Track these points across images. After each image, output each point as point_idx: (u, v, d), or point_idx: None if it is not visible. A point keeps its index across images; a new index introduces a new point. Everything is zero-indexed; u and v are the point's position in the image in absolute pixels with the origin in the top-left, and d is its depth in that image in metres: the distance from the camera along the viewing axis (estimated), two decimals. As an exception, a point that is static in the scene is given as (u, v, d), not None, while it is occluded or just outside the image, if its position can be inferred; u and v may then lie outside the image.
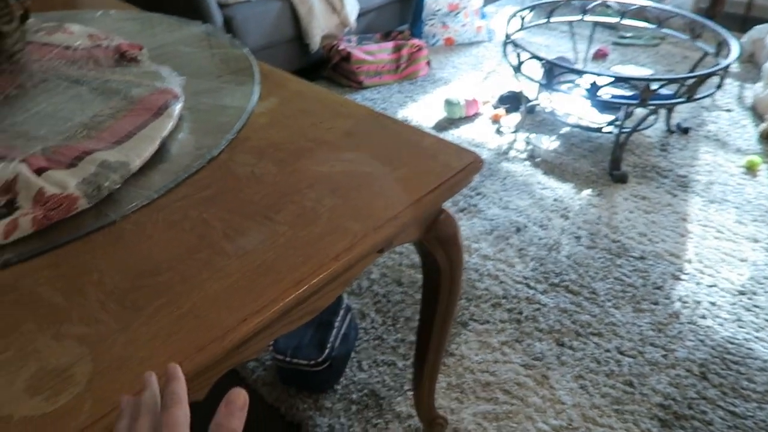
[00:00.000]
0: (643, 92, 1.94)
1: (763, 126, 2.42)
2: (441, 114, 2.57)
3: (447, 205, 0.88)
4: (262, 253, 0.71)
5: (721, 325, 1.59)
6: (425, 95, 2.76)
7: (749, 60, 3.05)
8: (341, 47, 2.82)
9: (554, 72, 2.10)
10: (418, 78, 2.91)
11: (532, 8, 2.48)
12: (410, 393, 1.42)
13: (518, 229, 1.94)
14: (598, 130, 2.29)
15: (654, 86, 1.94)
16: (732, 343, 1.54)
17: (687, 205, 2.05)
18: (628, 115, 2.13)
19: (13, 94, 1.01)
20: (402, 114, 2.56)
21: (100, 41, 1.17)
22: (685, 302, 1.66)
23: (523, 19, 2.44)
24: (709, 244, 1.87)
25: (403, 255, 1.84)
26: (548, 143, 2.36)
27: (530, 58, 2.08)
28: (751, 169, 2.22)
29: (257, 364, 1.52)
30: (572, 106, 2.38)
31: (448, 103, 2.52)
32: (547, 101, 2.42)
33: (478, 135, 2.44)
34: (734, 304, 1.65)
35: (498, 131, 2.45)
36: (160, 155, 0.89)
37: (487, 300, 1.68)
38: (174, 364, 0.50)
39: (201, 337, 0.61)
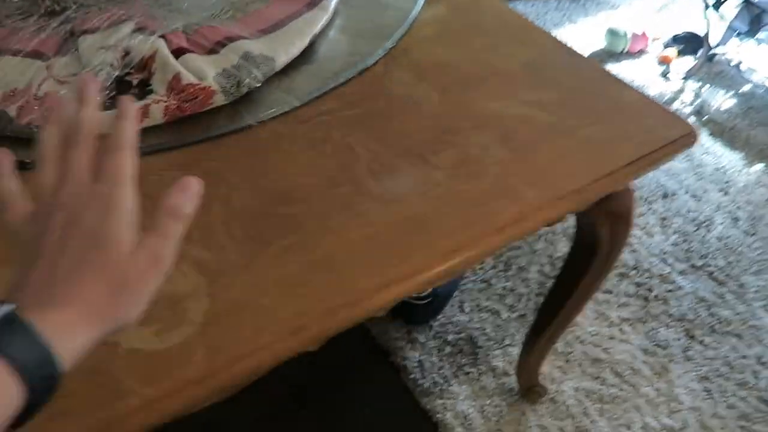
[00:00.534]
0: None
1: None
2: (600, 44, 2.25)
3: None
4: (413, 203, 0.59)
5: None
6: (586, 18, 2.42)
7: None
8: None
9: (763, 19, 1.73)
10: (580, -6, 2.54)
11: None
12: (510, 349, 1.32)
13: (666, 195, 1.70)
14: (790, 95, 1.91)
15: None
16: None
17: None
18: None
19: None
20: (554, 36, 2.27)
21: None
22: None
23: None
24: None
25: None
26: (722, 100, 2.02)
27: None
28: None
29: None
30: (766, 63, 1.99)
31: (612, 33, 2.19)
32: (736, 51, 2.04)
33: (639, 76, 2.12)
34: None
35: (664, 75, 2.12)
36: (306, 55, 0.76)
37: (614, 267, 1.50)
38: (130, 101, 0.37)
39: (332, 297, 0.51)
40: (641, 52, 2.23)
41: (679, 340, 1.36)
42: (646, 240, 1.57)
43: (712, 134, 1.92)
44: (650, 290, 1.46)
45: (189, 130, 0.66)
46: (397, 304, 1.52)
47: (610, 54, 2.23)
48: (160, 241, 0.34)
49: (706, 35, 2.06)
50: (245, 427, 1.18)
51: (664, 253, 1.55)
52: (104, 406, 0.44)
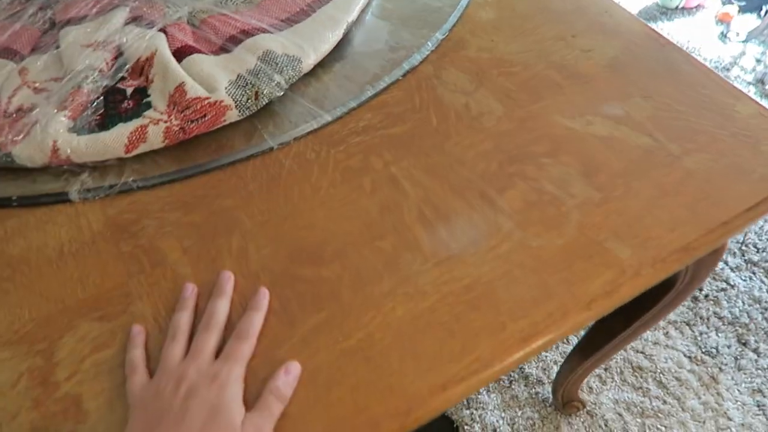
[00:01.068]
0: None
1: None
2: (651, -3, 2.04)
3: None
4: (475, 264, 0.47)
5: None
6: (635, -34, 2.19)
7: None
8: None
9: None
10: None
11: None
12: (545, 354, 1.22)
13: (720, 177, 1.55)
14: None
15: None
16: None
17: None
18: None
19: None
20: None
21: None
22: None
23: None
24: None
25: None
26: (786, 67, 1.82)
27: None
28: None
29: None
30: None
31: (665, -16, 1.97)
32: (805, 9, 1.82)
33: (693, 36, 1.92)
34: None
35: (722, 36, 1.91)
36: (339, 49, 0.62)
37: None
38: (264, 291, 0.44)
39: (374, 404, 0.40)
40: (698, 8, 2.01)
41: (730, 346, 1.25)
42: (698, 230, 1.43)
43: (774, 108, 1.73)
44: (700, 289, 1.34)
45: (194, 155, 0.53)
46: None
47: (663, 10, 2.01)
48: (264, 417, 0.38)
49: (775, -6, 1.84)
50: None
51: (718, 246, 1.41)
52: None
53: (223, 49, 0.57)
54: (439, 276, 0.46)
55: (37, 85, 0.54)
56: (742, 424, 1.14)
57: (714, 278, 1.35)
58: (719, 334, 1.27)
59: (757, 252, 1.40)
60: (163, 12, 0.59)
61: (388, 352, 0.42)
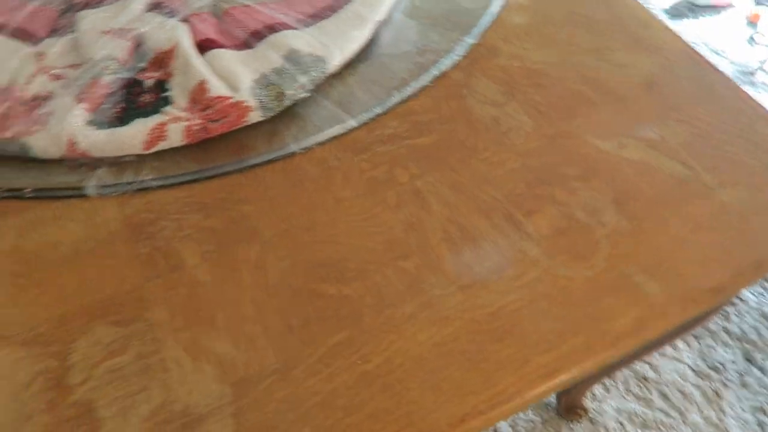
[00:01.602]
0: None
1: None
2: (679, -6, 1.99)
3: None
4: (500, 291, 0.45)
5: None
6: (665, -39, 2.13)
7: None
8: None
9: None
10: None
11: None
12: (550, 355, 1.21)
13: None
14: None
15: None
16: None
17: None
18: None
19: None
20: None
21: None
22: None
23: None
24: None
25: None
26: (814, 76, 1.78)
27: None
28: None
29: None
30: None
31: (694, -18, 1.92)
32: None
33: (719, 37, 1.87)
34: None
35: (750, 40, 1.87)
36: (365, 48, 0.60)
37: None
38: None
39: (393, 434, 0.39)
40: (727, 6, 1.96)
41: (735, 362, 1.24)
42: (711, 241, 1.42)
43: (797, 120, 1.70)
44: (709, 300, 1.32)
45: (214, 156, 0.51)
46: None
47: (691, 6, 1.97)
48: None
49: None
50: None
51: (729, 258, 1.39)
52: None
53: (246, 45, 0.55)
54: (463, 301, 0.45)
55: (54, 71, 0.52)
56: (742, 441, 1.14)
57: (723, 291, 1.33)
58: (726, 349, 1.26)
59: (769, 267, 1.38)
60: (185, 0, 0.56)
61: (408, 380, 0.41)
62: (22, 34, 0.54)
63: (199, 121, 0.49)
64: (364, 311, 0.44)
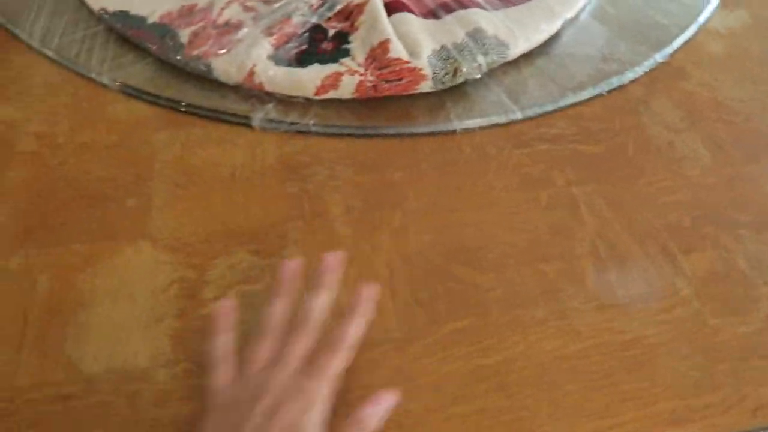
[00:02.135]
0: None
1: None
2: None
3: None
4: (639, 320, 0.43)
5: None
6: None
7: None
8: None
9: None
10: None
11: None
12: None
13: None
14: None
15: None
16: None
17: None
18: None
19: None
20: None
21: None
22: None
23: None
24: None
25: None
26: None
27: None
28: None
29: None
30: None
31: None
32: None
33: None
34: None
35: None
36: (546, 44, 0.58)
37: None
38: (371, 290, 0.38)
39: (498, 433, 0.38)
40: None
41: None
42: None
43: None
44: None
45: (376, 116, 0.52)
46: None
47: None
48: None
49: None
50: None
51: None
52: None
53: (432, 14, 0.55)
54: (599, 321, 0.42)
55: (248, 3, 0.55)
56: None
57: None
58: None
59: None
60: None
61: (525, 385, 0.39)
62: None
63: (373, 79, 0.50)
64: (492, 305, 0.43)
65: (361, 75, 0.50)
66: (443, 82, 0.51)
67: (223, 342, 0.37)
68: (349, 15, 0.53)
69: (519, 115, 0.52)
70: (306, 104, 0.52)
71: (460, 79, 0.52)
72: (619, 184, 0.50)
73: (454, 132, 0.51)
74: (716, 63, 0.59)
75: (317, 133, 0.51)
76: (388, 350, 0.40)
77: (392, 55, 0.50)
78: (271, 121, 0.51)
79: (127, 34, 0.54)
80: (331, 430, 0.34)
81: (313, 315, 0.37)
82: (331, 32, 0.53)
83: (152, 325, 0.41)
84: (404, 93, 0.51)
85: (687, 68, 0.58)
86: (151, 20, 0.54)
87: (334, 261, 0.39)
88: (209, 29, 0.52)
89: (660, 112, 0.55)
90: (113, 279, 0.42)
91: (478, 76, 0.53)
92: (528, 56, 0.57)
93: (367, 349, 0.40)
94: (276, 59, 0.51)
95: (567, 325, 0.42)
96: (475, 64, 0.52)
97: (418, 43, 0.51)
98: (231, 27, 0.53)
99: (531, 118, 0.53)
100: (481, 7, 0.55)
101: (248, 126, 0.51)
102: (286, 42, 0.52)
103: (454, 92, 0.53)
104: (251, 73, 0.50)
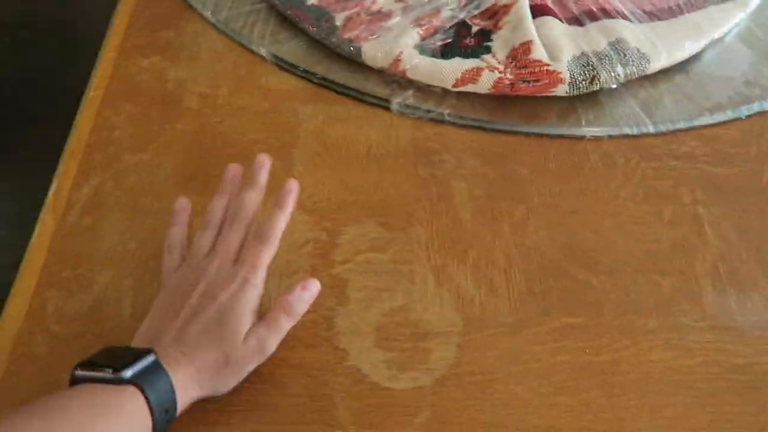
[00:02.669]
0: None
1: None
2: None
3: None
4: (756, 347, 0.42)
5: None
6: None
7: None
8: None
9: None
10: None
11: None
12: None
13: None
14: None
15: None
16: None
17: None
18: None
19: None
20: None
21: None
22: None
23: None
24: None
25: None
26: None
27: None
28: None
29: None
30: None
31: None
32: None
33: None
34: None
35: None
36: (687, 62, 0.58)
37: None
38: (293, 185, 0.42)
39: (595, 428, 0.39)
40: None
41: None
42: None
43: None
44: None
45: (508, 113, 0.54)
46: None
47: None
48: (270, 332, 0.37)
49: None
50: None
51: None
52: None
53: (576, 21, 0.56)
54: (712, 341, 0.42)
55: (399, -6, 0.58)
56: None
57: None
58: None
59: None
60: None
61: (629, 389, 0.40)
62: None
63: (511, 77, 0.52)
64: (605, 306, 0.44)
65: (500, 72, 0.52)
66: (579, 88, 0.52)
67: (178, 233, 0.42)
68: (494, 14, 0.56)
69: (651, 129, 0.53)
70: (442, 94, 0.55)
71: (595, 87, 0.53)
72: (749, 209, 0.49)
73: (582, 137, 0.53)
74: None
75: (450, 123, 0.54)
76: (501, 333, 0.42)
77: (533, 56, 0.52)
78: (408, 106, 0.54)
79: (286, 12, 0.59)
80: (262, 314, 0.38)
81: (245, 209, 0.41)
82: (475, 29, 0.56)
83: (287, 277, 0.45)
84: (539, 94, 0.53)
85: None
86: (309, 2, 0.59)
87: (264, 160, 0.43)
88: (362, 15, 0.56)
89: (796, 145, 0.53)
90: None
91: (614, 86, 0.53)
92: (667, 72, 0.56)
93: (482, 330, 0.43)
94: (421, 49, 0.54)
95: (678, 340, 0.42)
96: (614, 74, 0.52)
97: (559, 47, 0.52)
98: (382, 15, 0.56)
99: (663, 134, 0.53)
100: (627, 19, 0.55)
101: (386, 109, 0.55)
102: (433, 34, 0.55)
103: (587, 99, 0.54)
104: (397, 60, 0.54)
